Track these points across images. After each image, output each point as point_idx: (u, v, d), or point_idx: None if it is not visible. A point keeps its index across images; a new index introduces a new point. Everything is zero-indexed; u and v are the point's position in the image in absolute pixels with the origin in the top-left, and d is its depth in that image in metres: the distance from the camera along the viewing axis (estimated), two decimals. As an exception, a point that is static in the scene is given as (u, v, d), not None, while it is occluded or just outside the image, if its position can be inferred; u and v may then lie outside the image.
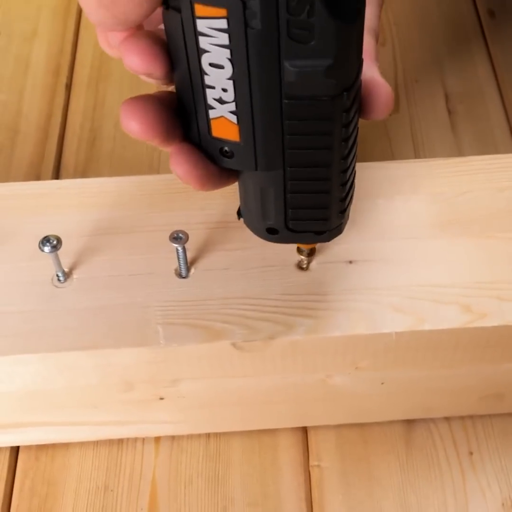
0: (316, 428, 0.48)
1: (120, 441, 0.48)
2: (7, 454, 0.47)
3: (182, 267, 0.41)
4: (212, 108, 0.31)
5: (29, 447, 0.48)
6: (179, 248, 0.40)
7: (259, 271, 0.42)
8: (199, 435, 0.48)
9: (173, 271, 0.42)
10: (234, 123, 0.31)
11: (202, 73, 0.30)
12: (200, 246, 0.42)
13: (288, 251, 0.42)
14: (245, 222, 0.38)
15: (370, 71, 0.35)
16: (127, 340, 0.39)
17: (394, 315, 0.40)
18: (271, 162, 0.33)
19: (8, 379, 0.41)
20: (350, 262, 0.42)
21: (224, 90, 0.30)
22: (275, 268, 0.42)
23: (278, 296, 0.41)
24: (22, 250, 0.42)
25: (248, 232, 0.43)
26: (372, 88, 0.34)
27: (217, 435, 0.48)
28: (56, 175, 0.59)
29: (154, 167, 0.60)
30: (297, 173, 0.34)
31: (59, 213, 0.44)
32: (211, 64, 0.29)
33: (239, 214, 0.38)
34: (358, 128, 0.34)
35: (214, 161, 0.33)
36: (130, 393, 0.43)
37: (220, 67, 0.29)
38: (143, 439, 0.48)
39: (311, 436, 0.48)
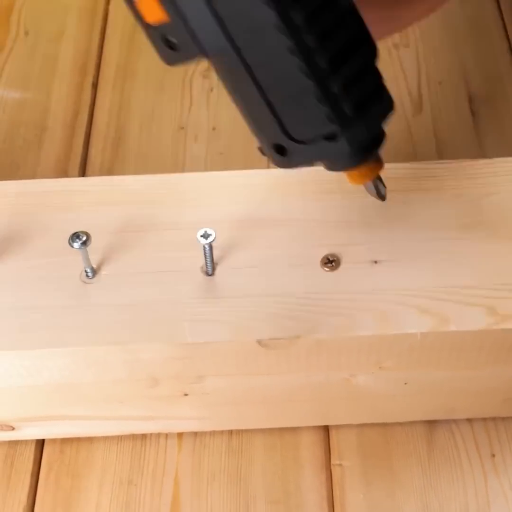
0: (338, 427, 0.48)
1: (143, 436, 0.48)
2: (33, 447, 0.48)
3: (208, 264, 0.42)
4: None
5: (54, 440, 0.48)
6: (206, 246, 0.41)
7: (285, 269, 0.42)
8: (222, 432, 0.48)
9: (200, 269, 0.42)
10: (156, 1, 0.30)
11: None
12: (227, 244, 0.43)
13: (315, 249, 0.42)
14: (264, 153, 0.35)
15: None
16: (154, 336, 0.40)
17: (419, 315, 0.40)
18: (217, 44, 0.30)
19: (36, 373, 0.41)
20: (376, 262, 0.42)
21: None
22: (301, 267, 0.42)
23: (304, 295, 0.41)
24: (51, 246, 0.43)
25: (275, 230, 0.43)
26: None
27: (240, 432, 0.48)
28: (83, 172, 0.60)
29: (179, 166, 0.60)
30: (266, 77, 0.31)
31: (88, 210, 0.45)
32: None
33: (261, 150, 0.35)
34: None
35: (165, 57, 0.32)
36: (155, 388, 0.43)
37: None
38: (167, 434, 0.48)
39: (333, 435, 0.48)
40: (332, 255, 0.42)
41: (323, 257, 0.42)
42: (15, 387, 0.42)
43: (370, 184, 0.39)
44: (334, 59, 0.31)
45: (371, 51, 0.33)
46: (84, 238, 0.40)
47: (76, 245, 0.40)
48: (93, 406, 0.45)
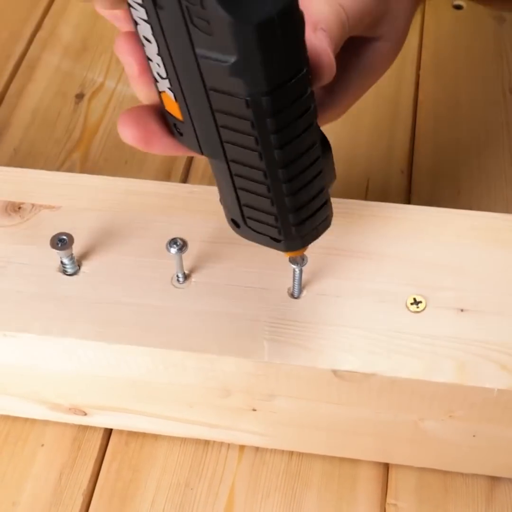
0: (398, 466, 0.48)
1: (206, 442, 0.49)
2: (100, 434, 0.50)
3: (296, 287, 0.42)
4: (157, 81, 0.32)
5: (121, 432, 0.50)
6: (297, 269, 0.41)
7: (370, 303, 0.42)
8: (283, 451, 0.49)
9: (286, 290, 0.43)
10: (173, 100, 0.32)
11: (143, 44, 0.31)
12: (316, 270, 0.43)
13: (403, 288, 0.42)
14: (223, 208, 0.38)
15: (315, 39, 0.34)
16: (233, 349, 0.41)
17: (499, 371, 0.40)
18: (212, 150, 0.33)
19: (115, 365, 0.43)
20: (462, 310, 0.42)
21: (158, 65, 0.31)
22: (387, 304, 0.42)
23: (386, 332, 0.41)
24: (147, 246, 0.45)
25: (366, 263, 0.44)
26: (313, 57, 0.33)
27: (300, 454, 0.49)
28: (185, 176, 0.61)
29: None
30: (238, 169, 0.33)
31: (186, 216, 0.46)
32: (144, 37, 0.30)
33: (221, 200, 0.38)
34: (317, 140, 0.32)
35: (174, 134, 0.34)
36: (226, 399, 0.44)
37: (149, 41, 0.30)
38: (229, 444, 0.49)
39: (392, 474, 0.48)
40: (419, 296, 0.42)
41: (410, 297, 0.42)
42: (94, 375, 0.44)
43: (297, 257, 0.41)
44: (294, 184, 0.33)
45: (329, 182, 0.36)
46: (181, 245, 0.41)
47: (173, 250, 0.41)
48: (163, 405, 0.46)
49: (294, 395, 0.43)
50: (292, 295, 0.43)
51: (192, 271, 0.43)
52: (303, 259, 0.41)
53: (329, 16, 0.36)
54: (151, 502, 0.47)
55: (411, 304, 0.42)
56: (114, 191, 0.47)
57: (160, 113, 0.34)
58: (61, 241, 0.42)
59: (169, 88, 0.31)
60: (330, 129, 0.63)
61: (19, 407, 0.49)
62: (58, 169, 0.62)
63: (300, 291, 0.42)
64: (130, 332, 0.41)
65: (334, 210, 0.46)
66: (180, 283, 0.43)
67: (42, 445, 0.49)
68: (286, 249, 0.37)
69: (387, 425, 0.44)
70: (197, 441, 0.49)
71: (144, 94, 0.34)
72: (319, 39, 0.34)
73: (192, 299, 0.42)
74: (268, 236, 0.36)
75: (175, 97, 0.32)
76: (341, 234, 0.45)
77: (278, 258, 0.43)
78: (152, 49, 0.30)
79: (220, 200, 0.37)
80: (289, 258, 0.40)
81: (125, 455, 0.49)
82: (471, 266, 0.43)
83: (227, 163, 0.33)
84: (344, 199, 0.47)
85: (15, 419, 0.50)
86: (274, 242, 0.36)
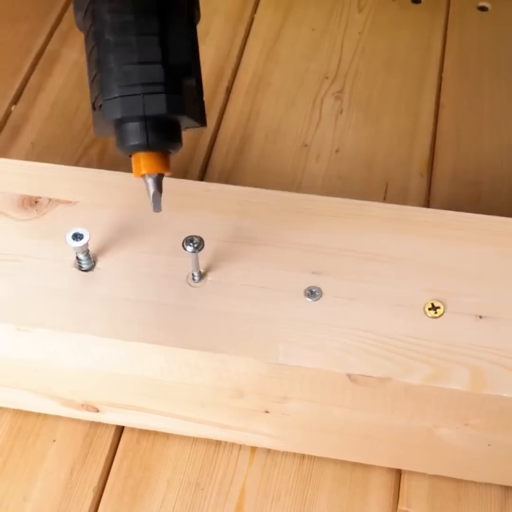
0: (410, 472, 0.48)
1: (218, 442, 0.49)
2: (112, 432, 0.49)
3: (312, 289, 0.42)
4: None
5: (132, 429, 0.49)
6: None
7: (387, 307, 0.42)
8: (294, 454, 0.49)
9: (302, 292, 0.42)
10: None
11: None
12: (332, 272, 0.43)
13: (421, 293, 0.42)
14: None
15: None
16: (247, 350, 0.40)
17: (517, 380, 0.39)
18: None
19: (129, 363, 0.43)
20: (480, 317, 0.41)
21: None
22: (404, 308, 0.42)
23: (402, 337, 0.41)
24: (163, 244, 0.44)
25: (383, 266, 0.43)
26: None
27: (312, 457, 0.48)
28: (202, 175, 0.61)
29: (296, 183, 0.61)
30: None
31: (203, 215, 0.46)
32: None
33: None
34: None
35: None
36: (238, 400, 0.44)
37: None
38: (240, 446, 0.49)
39: (404, 480, 0.48)
40: (438, 301, 0.42)
41: (428, 302, 0.41)
42: (107, 372, 0.44)
43: (147, 180, 0.37)
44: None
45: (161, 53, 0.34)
46: (198, 243, 0.41)
47: (189, 248, 0.41)
48: (175, 404, 0.46)
49: (308, 398, 0.42)
50: (308, 297, 0.42)
51: (207, 270, 0.43)
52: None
53: None
54: (162, 500, 0.47)
55: (429, 309, 0.41)
56: (131, 187, 0.46)
57: None
58: (78, 237, 0.42)
59: None
60: (350, 131, 0.64)
61: (31, 402, 0.49)
62: (75, 164, 0.62)
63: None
64: (145, 330, 0.41)
65: (352, 212, 0.45)
66: (196, 282, 0.43)
67: (54, 440, 0.49)
68: (105, 110, 0.35)
69: (400, 431, 0.43)
70: (208, 441, 0.49)
71: None
72: None
73: (207, 298, 0.42)
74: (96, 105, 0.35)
75: None
76: (359, 235, 0.44)
77: (293, 259, 0.43)
78: None
79: None
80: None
81: (136, 453, 0.49)
82: (491, 272, 0.43)
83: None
84: (362, 201, 0.46)
85: (27, 414, 0.50)
86: (98, 110, 0.35)
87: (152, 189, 0.37)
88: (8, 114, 0.66)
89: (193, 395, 0.44)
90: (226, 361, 0.41)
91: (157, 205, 0.37)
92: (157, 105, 0.34)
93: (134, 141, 0.36)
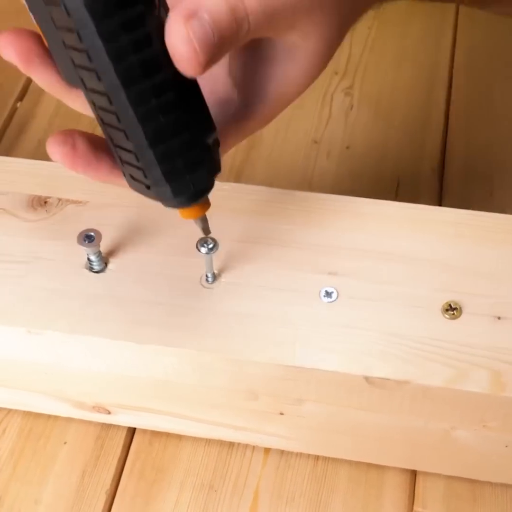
0: (425, 473, 0.47)
1: (231, 444, 0.48)
2: (124, 433, 0.49)
3: (329, 290, 0.41)
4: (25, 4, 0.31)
5: (144, 431, 0.49)
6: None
7: (403, 308, 0.41)
8: (308, 455, 0.48)
9: (318, 293, 0.42)
10: (36, 23, 0.31)
11: None
12: (347, 272, 0.42)
13: (437, 293, 0.41)
14: None
15: (172, 14, 0.30)
16: (262, 352, 0.40)
17: (536, 382, 0.39)
18: (70, 75, 0.32)
19: (142, 366, 0.42)
20: (499, 318, 0.41)
21: None
22: (421, 309, 0.41)
23: (419, 338, 0.40)
24: (175, 244, 0.44)
25: (399, 266, 0.43)
26: (166, 32, 0.30)
27: (326, 459, 0.48)
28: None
29: (307, 180, 0.60)
30: (97, 100, 0.32)
31: (215, 214, 0.44)
32: None
33: None
34: (163, 72, 0.30)
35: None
36: (253, 402, 0.43)
37: None
38: (253, 447, 0.48)
39: (419, 481, 0.47)
40: (455, 302, 0.41)
41: (445, 303, 0.41)
42: (119, 375, 0.43)
43: (198, 221, 0.38)
44: (142, 114, 0.31)
45: (197, 125, 0.33)
46: (212, 245, 0.40)
47: (203, 250, 0.40)
48: (188, 406, 0.45)
49: (323, 401, 0.42)
50: (324, 298, 0.41)
51: (221, 271, 0.43)
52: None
53: (220, 7, 0.30)
54: (175, 502, 0.47)
55: (446, 310, 0.41)
56: (142, 187, 0.46)
57: (87, 134, 0.34)
58: (89, 238, 0.41)
59: (29, 9, 0.31)
60: (362, 127, 0.63)
61: (42, 404, 0.48)
62: (83, 162, 0.61)
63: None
64: (158, 332, 0.41)
65: (368, 211, 0.45)
66: (209, 283, 0.42)
67: (65, 442, 0.49)
68: (157, 196, 0.35)
69: (417, 432, 0.43)
70: (221, 443, 0.48)
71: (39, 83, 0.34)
72: (190, 28, 0.29)
73: (221, 300, 0.42)
74: (142, 183, 0.34)
75: (34, 19, 0.31)
76: (375, 235, 0.44)
77: (308, 260, 0.43)
78: None
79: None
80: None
81: (148, 455, 0.48)
82: (508, 272, 0.42)
83: (87, 93, 0.32)
84: (375, 199, 0.46)
85: (38, 415, 0.49)
86: (148, 190, 0.35)
87: (202, 225, 0.38)
88: (13, 111, 0.65)
89: (207, 397, 0.44)
90: (240, 364, 0.40)
91: (207, 231, 0.39)
92: (204, 181, 0.35)
93: (179, 205, 0.36)
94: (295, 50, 0.35)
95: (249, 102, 0.37)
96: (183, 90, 0.32)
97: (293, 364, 0.40)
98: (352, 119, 0.63)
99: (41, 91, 0.66)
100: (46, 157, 0.60)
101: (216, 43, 0.30)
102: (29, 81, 0.67)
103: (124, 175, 0.35)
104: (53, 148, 0.35)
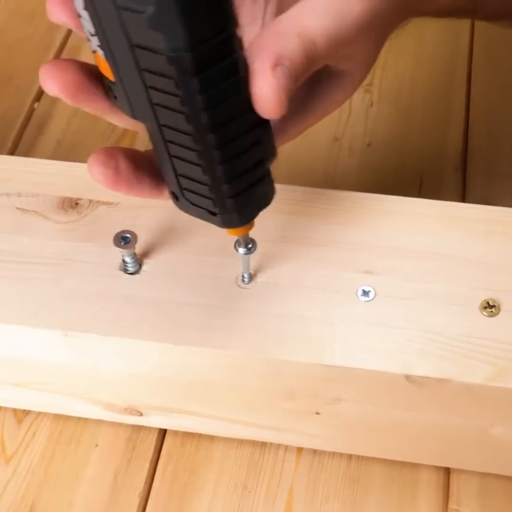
0: (459, 471, 0.47)
1: (263, 444, 0.48)
2: (155, 435, 0.49)
3: (366, 289, 0.41)
4: (89, 40, 0.31)
5: (175, 432, 0.49)
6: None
7: (441, 306, 0.41)
8: (341, 454, 0.48)
9: (355, 292, 0.42)
10: (103, 59, 0.31)
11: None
12: (384, 271, 0.42)
13: (475, 291, 0.41)
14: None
15: (259, 62, 0.31)
16: (301, 352, 0.40)
17: None
18: (143, 113, 0.32)
19: (179, 366, 0.42)
20: (540, 313, 0.41)
21: (86, 20, 0.30)
22: (458, 307, 0.41)
23: (458, 336, 0.40)
24: (209, 244, 0.43)
25: (434, 264, 0.42)
26: (252, 80, 0.31)
27: (359, 457, 0.48)
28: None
29: (329, 177, 0.60)
30: (170, 135, 0.32)
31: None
32: None
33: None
34: (250, 109, 0.32)
35: (110, 98, 0.33)
36: (289, 402, 0.43)
37: None
38: (286, 447, 0.48)
39: (453, 479, 0.47)
40: (493, 300, 0.41)
41: (483, 301, 0.41)
42: (155, 377, 0.43)
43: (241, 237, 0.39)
44: (225, 151, 0.32)
45: (268, 155, 0.35)
46: (251, 245, 0.40)
47: (242, 250, 0.40)
48: (223, 407, 0.45)
49: (362, 400, 0.42)
50: (362, 298, 0.41)
51: (257, 271, 0.42)
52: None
53: (296, 52, 0.32)
54: (209, 503, 0.46)
55: (485, 308, 0.41)
56: (174, 187, 0.45)
57: (130, 153, 0.34)
58: (125, 239, 0.41)
59: (98, 46, 0.31)
60: (382, 124, 0.63)
61: (72, 407, 0.48)
62: (103, 162, 0.61)
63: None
64: (195, 333, 0.40)
65: (402, 210, 0.45)
66: (245, 284, 0.42)
67: (96, 445, 0.48)
68: (222, 223, 0.36)
69: (454, 430, 0.43)
70: (253, 443, 0.48)
71: (88, 111, 0.34)
72: (276, 77, 0.31)
73: (258, 300, 0.41)
74: (205, 209, 0.35)
75: (105, 56, 0.31)
76: (409, 234, 0.43)
77: (347, 259, 0.43)
78: (79, 3, 0.30)
79: (160, 170, 0.36)
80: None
81: (180, 456, 0.48)
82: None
83: (159, 128, 0.32)
84: (407, 197, 0.45)
85: (67, 418, 0.49)
86: (211, 216, 0.35)
87: (245, 238, 0.39)
88: (31, 111, 0.64)
89: (243, 398, 0.44)
90: (278, 365, 0.40)
91: (248, 242, 0.40)
92: (265, 207, 0.37)
93: (235, 227, 0.37)
94: (342, 76, 0.38)
95: (286, 118, 0.37)
96: (262, 126, 0.33)
97: (333, 363, 0.39)
98: (372, 116, 0.63)
99: (58, 91, 0.66)
100: (66, 158, 0.60)
101: (294, 86, 0.32)
102: (45, 81, 0.66)
103: (175, 197, 0.36)
104: (95, 168, 0.34)
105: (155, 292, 0.42)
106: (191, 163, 0.33)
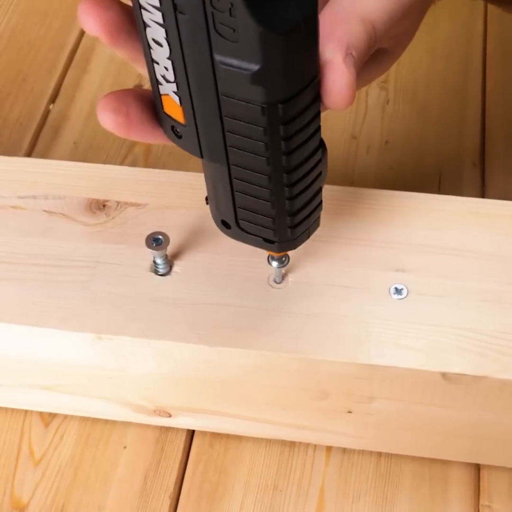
0: (490, 467, 0.47)
1: (292, 443, 0.48)
2: (184, 436, 0.49)
3: (398, 287, 0.41)
4: (160, 84, 0.31)
5: (204, 433, 0.49)
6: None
7: (475, 303, 0.41)
8: (371, 452, 0.48)
9: (388, 290, 0.41)
10: (177, 104, 0.31)
11: (149, 46, 0.30)
12: (416, 269, 0.42)
13: (508, 287, 0.41)
14: (210, 209, 0.38)
15: (331, 53, 0.31)
16: (336, 351, 0.40)
17: None
18: (214, 154, 0.32)
19: (212, 368, 0.42)
20: None
21: (166, 68, 0.30)
22: (492, 304, 0.41)
23: (493, 333, 0.40)
24: (240, 244, 0.42)
25: (467, 262, 0.42)
26: (326, 72, 0.31)
27: (389, 455, 0.48)
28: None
29: (348, 176, 0.60)
30: (240, 174, 0.33)
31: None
32: (153, 40, 0.29)
33: (207, 200, 0.37)
34: (320, 145, 0.33)
35: (169, 136, 0.33)
36: (322, 401, 0.43)
37: (160, 44, 0.29)
38: (315, 446, 0.48)
39: (484, 475, 0.47)
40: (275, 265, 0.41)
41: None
42: (186, 378, 0.43)
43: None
44: (296, 188, 0.34)
45: (324, 183, 0.36)
46: (284, 258, 0.40)
47: (275, 264, 0.40)
48: (254, 407, 0.45)
49: (395, 398, 0.42)
50: (394, 295, 0.41)
51: (289, 271, 0.42)
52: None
53: (361, 39, 0.33)
54: (240, 503, 0.46)
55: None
56: (202, 187, 0.45)
57: (141, 97, 0.33)
58: (156, 241, 0.41)
59: (174, 92, 0.31)
60: (399, 121, 0.63)
61: (101, 409, 0.48)
62: (121, 163, 0.61)
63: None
64: (229, 334, 0.40)
65: (431, 207, 0.44)
66: (277, 284, 0.42)
67: (125, 447, 0.48)
68: (279, 250, 0.37)
69: (487, 426, 0.43)
70: (282, 442, 0.48)
71: (123, 56, 0.32)
72: (348, 66, 0.31)
73: (291, 300, 0.41)
74: (261, 237, 0.36)
75: (180, 101, 0.31)
76: (439, 231, 0.43)
77: (377, 257, 0.42)
78: (162, 52, 0.30)
79: (208, 200, 0.37)
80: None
81: (210, 457, 0.48)
82: None
83: (228, 167, 0.33)
84: (436, 194, 0.45)
85: (95, 420, 0.49)
86: (266, 243, 0.37)
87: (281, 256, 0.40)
88: (46, 113, 0.64)
89: (275, 397, 0.44)
90: (314, 364, 0.40)
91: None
92: (317, 225, 0.38)
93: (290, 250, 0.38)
94: (384, 54, 0.37)
95: None
96: (323, 159, 0.34)
97: (368, 362, 0.39)
98: (389, 113, 0.63)
99: (73, 92, 0.66)
100: (84, 159, 0.59)
101: (357, 72, 0.32)
102: (60, 81, 0.66)
103: (225, 225, 0.37)
104: (104, 115, 0.32)
105: (186, 293, 0.42)
106: (258, 198, 0.34)
